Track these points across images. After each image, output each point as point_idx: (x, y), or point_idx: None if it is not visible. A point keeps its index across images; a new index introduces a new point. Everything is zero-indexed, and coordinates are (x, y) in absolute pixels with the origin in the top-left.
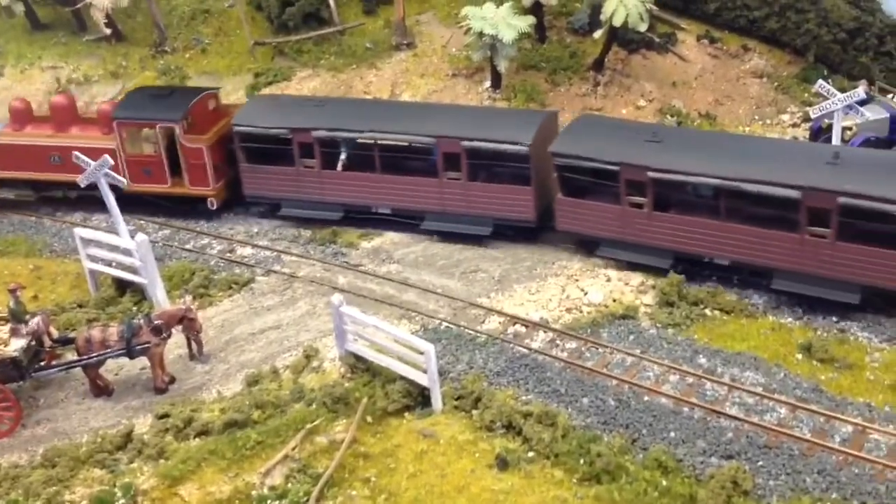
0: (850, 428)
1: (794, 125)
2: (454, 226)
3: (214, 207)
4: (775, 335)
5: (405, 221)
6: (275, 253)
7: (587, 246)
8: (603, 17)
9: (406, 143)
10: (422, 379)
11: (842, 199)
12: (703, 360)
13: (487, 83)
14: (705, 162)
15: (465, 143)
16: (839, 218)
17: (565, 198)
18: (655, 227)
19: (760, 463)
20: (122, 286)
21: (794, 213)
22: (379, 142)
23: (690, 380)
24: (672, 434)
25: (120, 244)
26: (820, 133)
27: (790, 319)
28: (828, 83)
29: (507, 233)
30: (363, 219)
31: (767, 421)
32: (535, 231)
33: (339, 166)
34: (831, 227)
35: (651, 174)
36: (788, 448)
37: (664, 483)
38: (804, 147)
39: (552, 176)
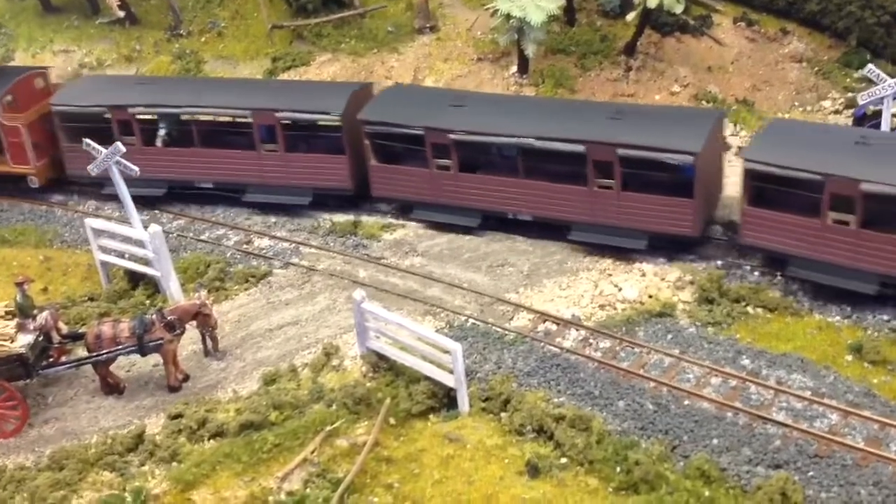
0: None
1: (836, 112)
2: (275, 197)
3: (36, 185)
4: (822, 335)
5: (228, 195)
6: (293, 244)
7: (404, 210)
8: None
9: (226, 119)
10: (448, 379)
11: (620, 151)
12: (746, 362)
13: (514, 68)
14: (503, 123)
15: (280, 115)
16: (621, 169)
17: (378, 164)
18: (462, 188)
19: (811, 473)
20: (134, 279)
21: (583, 168)
22: (197, 117)
23: (734, 382)
24: (715, 441)
25: (132, 235)
26: (864, 119)
27: (838, 318)
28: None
29: (328, 203)
30: (189, 195)
31: (817, 428)
32: (354, 199)
33: (159, 142)
34: (615, 179)
35: (452, 136)
36: (841, 457)
37: (707, 494)
38: (594, 105)
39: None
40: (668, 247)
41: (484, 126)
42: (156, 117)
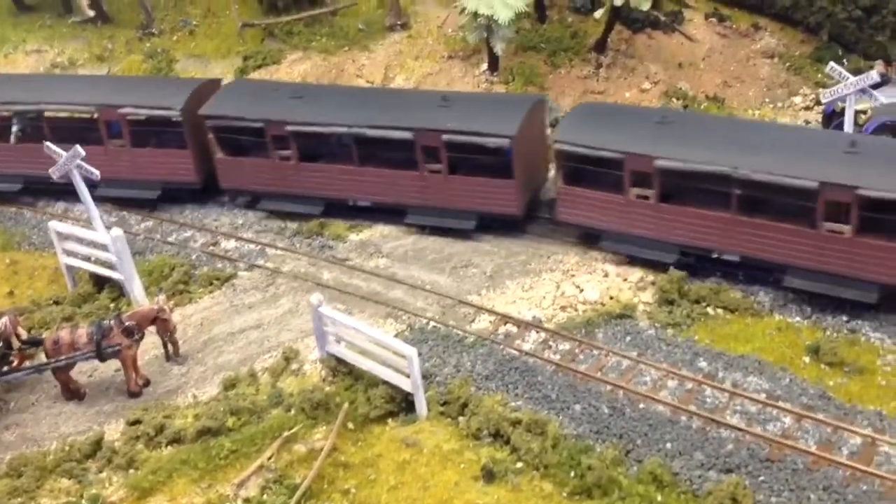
0: (858, 440)
1: (807, 108)
2: (126, 191)
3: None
4: (782, 336)
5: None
6: (259, 246)
7: (251, 203)
8: None
9: (72, 115)
10: (405, 384)
11: (445, 137)
12: (703, 364)
13: (484, 66)
14: (338, 113)
15: (125, 111)
16: (447, 153)
17: (224, 157)
18: (304, 178)
19: (762, 478)
20: (99, 282)
21: (414, 154)
22: (46, 114)
23: (690, 385)
24: (668, 445)
25: (95, 238)
26: (833, 117)
27: (798, 318)
28: (840, 65)
29: (179, 196)
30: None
31: (770, 431)
32: (200, 192)
33: (13, 139)
34: (442, 163)
35: (290, 128)
36: (792, 461)
37: (659, 498)
38: (426, 95)
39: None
40: (497, 226)
41: (320, 118)
42: (9, 114)
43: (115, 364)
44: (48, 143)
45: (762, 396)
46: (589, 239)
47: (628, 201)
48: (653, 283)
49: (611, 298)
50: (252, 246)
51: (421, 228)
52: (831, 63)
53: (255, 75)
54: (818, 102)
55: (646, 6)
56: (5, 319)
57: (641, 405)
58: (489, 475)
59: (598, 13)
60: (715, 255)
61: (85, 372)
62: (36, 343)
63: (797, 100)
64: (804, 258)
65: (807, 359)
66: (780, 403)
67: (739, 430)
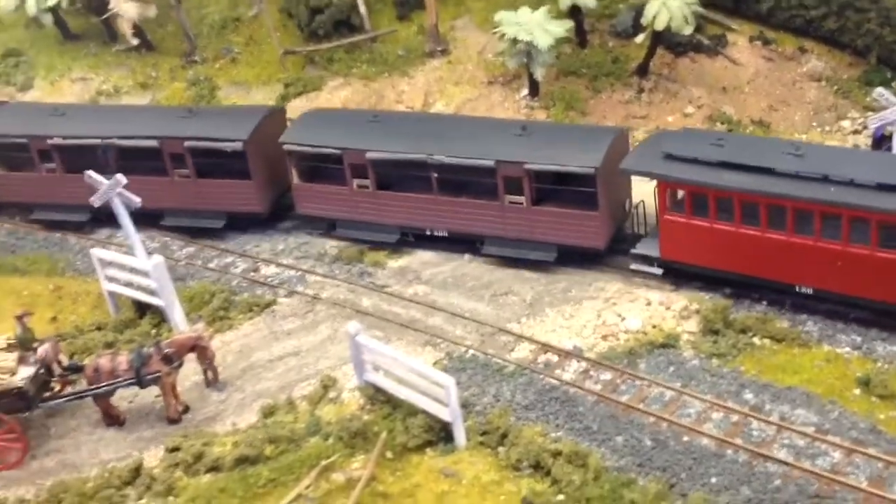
0: None
1: (856, 132)
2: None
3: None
4: (830, 367)
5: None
6: (299, 272)
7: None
8: (644, 21)
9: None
10: (443, 413)
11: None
12: (749, 396)
13: (525, 91)
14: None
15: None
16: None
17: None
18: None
19: None
20: (141, 308)
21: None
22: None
23: (735, 418)
24: (713, 480)
25: (136, 265)
26: (883, 141)
27: (847, 349)
28: (888, 90)
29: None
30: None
31: (819, 466)
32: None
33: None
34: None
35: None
36: (842, 498)
37: None
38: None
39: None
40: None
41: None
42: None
43: (155, 390)
44: (89, 172)
45: (810, 430)
46: (329, 228)
47: (352, 191)
48: (697, 312)
49: (653, 327)
50: (292, 272)
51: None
52: (878, 89)
53: (295, 102)
54: (867, 126)
55: (688, 30)
56: (47, 346)
57: (685, 438)
58: None
59: (640, 37)
60: (428, 233)
61: (125, 398)
62: (77, 369)
63: (845, 124)
64: (495, 228)
65: (857, 391)
66: (829, 437)
67: (787, 464)
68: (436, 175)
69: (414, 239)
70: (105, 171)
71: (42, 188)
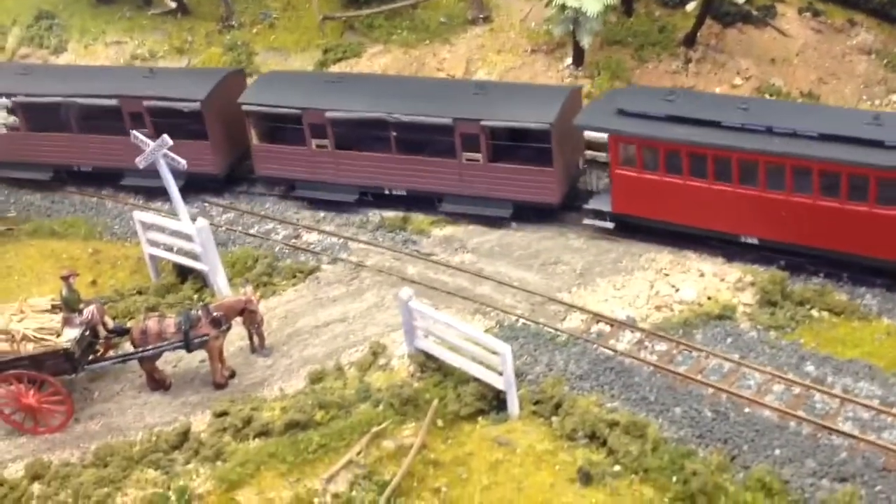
0: None
1: None
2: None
3: None
4: (892, 340)
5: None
6: (341, 239)
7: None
8: None
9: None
10: (497, 381)
11: (147, 103)
12: (810, 368)
13: (569, 60)
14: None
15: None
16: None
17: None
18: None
19: (878, 488)
20: (183, 272)
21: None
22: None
23: (797, 390)
24: (777, 452)
25: (180, 229)
26: None
27: None
28: None
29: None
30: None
31: (886, 440)
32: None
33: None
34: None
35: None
36: None
37: None
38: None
39: None
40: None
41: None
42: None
43: (199, 355)
44: (135, 132)
45: (875, 403)
46: (288, 188)
47: (311, 151)
48: (752, 284)
49: (708, 299)
50: (334, 239)
51: (508, 222)
52: None
53: (335, 68)
54: None
55: None
56: (92, 308)
57: (746, 409)
58: (586, 477)
59: (691, 6)
60: (387, 192)
61: (170, 362)
62: (122, 332)
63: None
64: (453, 185)
65: None
66: (895, 410)
67: (853, 437)
68: (394, 134)
69: (373, 199)
70: (66, 129)
71: (5, 146)
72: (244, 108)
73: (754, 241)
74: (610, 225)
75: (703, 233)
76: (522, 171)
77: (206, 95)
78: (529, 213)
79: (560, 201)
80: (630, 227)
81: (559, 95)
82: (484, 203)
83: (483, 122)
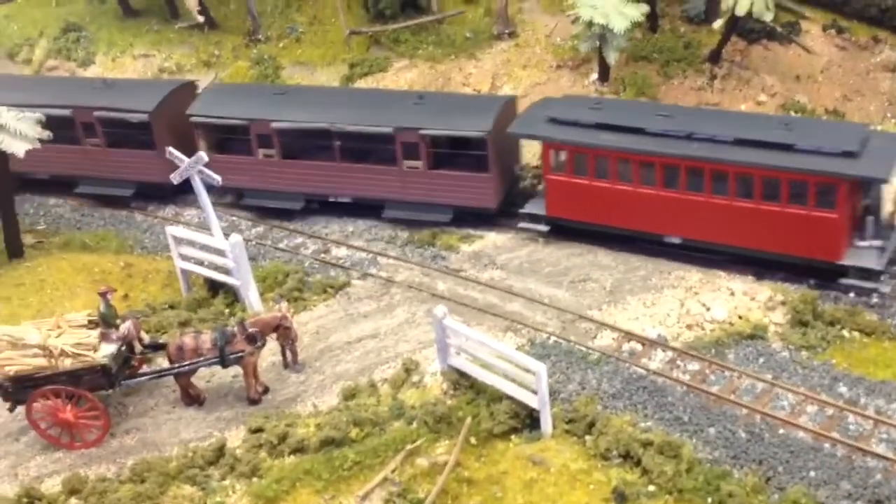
0: None
1: None
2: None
3: None
4: None
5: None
6: (371, 255)
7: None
8: (724, 6)
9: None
10: (531, 400)
11: (98, 114)
12: (843, 389)
13: (594, 75)
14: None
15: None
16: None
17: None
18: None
19: None
20: (214, 287)
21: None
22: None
23: (830, 411)
24: (812, 473)
25: (213, 244)
26: None
27: None
28: None
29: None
30: None
31: None
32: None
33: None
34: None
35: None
36: None
37: None
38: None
39: None
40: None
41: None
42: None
43: (233, 370)
44: (170, 149)
45: None
46: (237, 197)
47: (259, 161)
48: (782, 303)
49: (739, 318)
50: (363, 254)
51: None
52: None
53: (361, 83)
54: None
55: (769, 16)
56: (129, 323)
57: (781, 430)
58: (621, 497)
59: (718, 23)
60: (332, 199)
61: (203, 377)
62: (157, 347)
63: None
64: (395, 192)
65: None
66: None
67: (888, 459)
68: (338, 143)
69: (319, 206)
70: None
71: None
72: (192, 119)
73: (677, 240)
74: (545, 228)
75: (630, 233)
76: (461, 177)
77: (155, 107)
78: (469, 218)
79: (497, 206)
80: (564, 231)
81: (495, 105)
82: (425, 209)
83: (422, 131)
